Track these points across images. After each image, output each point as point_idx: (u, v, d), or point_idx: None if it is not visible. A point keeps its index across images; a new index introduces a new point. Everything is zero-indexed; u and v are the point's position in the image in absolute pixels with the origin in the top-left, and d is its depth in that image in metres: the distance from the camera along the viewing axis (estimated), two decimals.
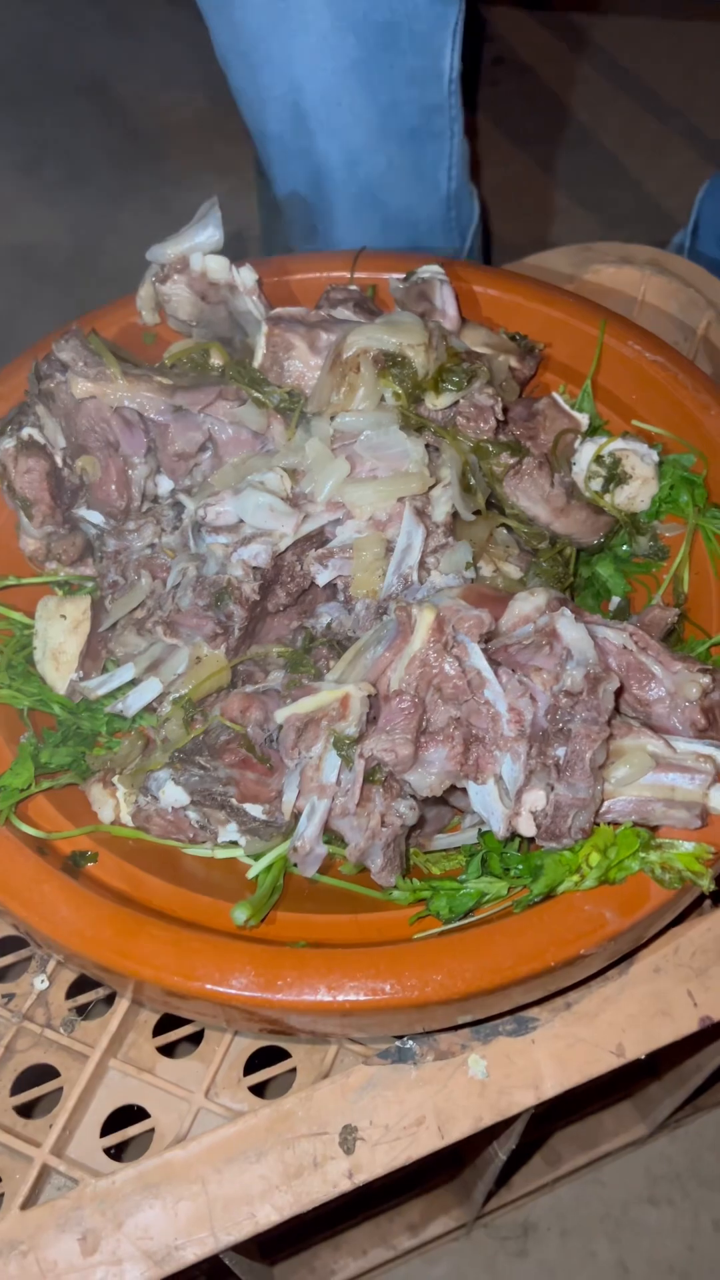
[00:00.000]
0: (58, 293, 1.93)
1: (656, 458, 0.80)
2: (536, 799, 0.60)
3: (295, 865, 0.62)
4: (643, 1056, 0.65)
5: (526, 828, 0.60)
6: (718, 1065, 0.87)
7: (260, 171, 1.58)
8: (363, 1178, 0.62)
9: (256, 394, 0.74)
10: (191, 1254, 0.60)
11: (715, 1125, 1.18)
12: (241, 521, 0.70)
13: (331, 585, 0.72)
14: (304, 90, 1.09)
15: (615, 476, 0.79)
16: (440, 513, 0.70)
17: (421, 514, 0.69)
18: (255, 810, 0.67)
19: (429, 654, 0.62)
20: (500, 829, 0.60)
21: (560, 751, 0.60)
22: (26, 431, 0.74)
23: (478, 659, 0.61)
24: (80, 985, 0.71)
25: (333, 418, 0.73)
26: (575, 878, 0.60)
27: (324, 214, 1.22)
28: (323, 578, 0.70)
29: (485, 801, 0.61)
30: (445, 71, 1.14)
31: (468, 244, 1.32)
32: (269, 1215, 0.61)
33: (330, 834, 0.63)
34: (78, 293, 1.94)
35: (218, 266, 0.79)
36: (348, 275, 0.90)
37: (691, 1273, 1.12)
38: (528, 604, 0.66)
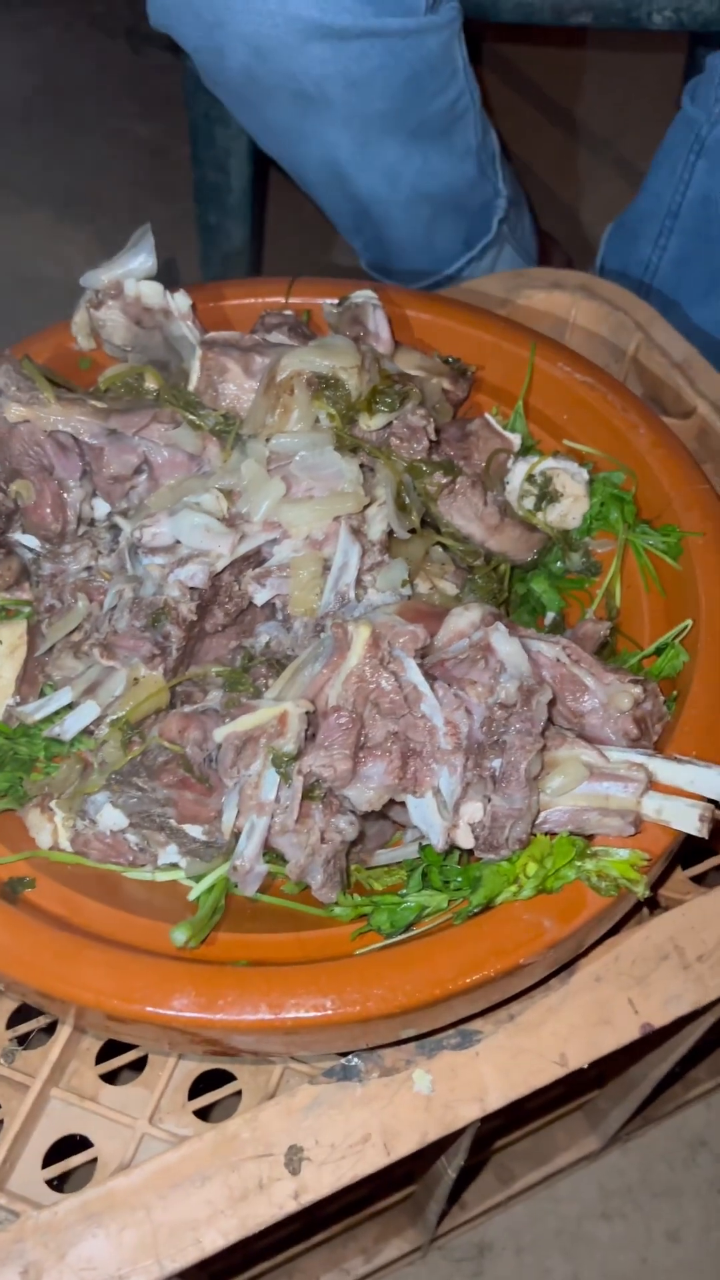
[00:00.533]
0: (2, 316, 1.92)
1: (587, 476, 0.82)
2: (474, 811, 0.61)
3: (236, 885, 0.62)
4: (585, 1065, 0.66)
5: (465, 840, 0.61)
6: (664, 1074, 0.88)
7: (201, 196, 1.60)
8: (309, 1198, 0.61)
9: (191, 416, 0.74)
10: None
11: (665, 1136, 1.19)
12: (178, 542, 0.70)
13: (270, 604, 0.72)
14: (339, 151, 1.16)
15: (547, 495, 0.81)
16: (376, 531, 0.71)
17: (357, 533, 0.70)
18: (195, 831, 0.67)
19: (365, 669, 0.62)
20: (439, 841, 0.61)
21: (496, 763, 0.61)
22: None
23: (414, 674, 0.62)
24: (20, 1014, 0.70)
25: (268, 439, 0.73)
26: (514, 888, 0.61)
27: (379, 224, 1.29)
28: (260, 597, 0.71)
29: (424, 815, 0.62)
30: (460, 66, 1.17)
31: (499, 173, 1.35)
32: (215, 1240, 0.60)
33: (271, 852, 0.63)
34: (16, 318, 1.93)
35: (151, 292, 0.80)
36: (282, 300, 0.91)
37: None
38: (463, 619, 0.67)
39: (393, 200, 1.26)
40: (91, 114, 2.27)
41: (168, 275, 0.83)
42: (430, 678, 0.63)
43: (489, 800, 0.61)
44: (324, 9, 1.01)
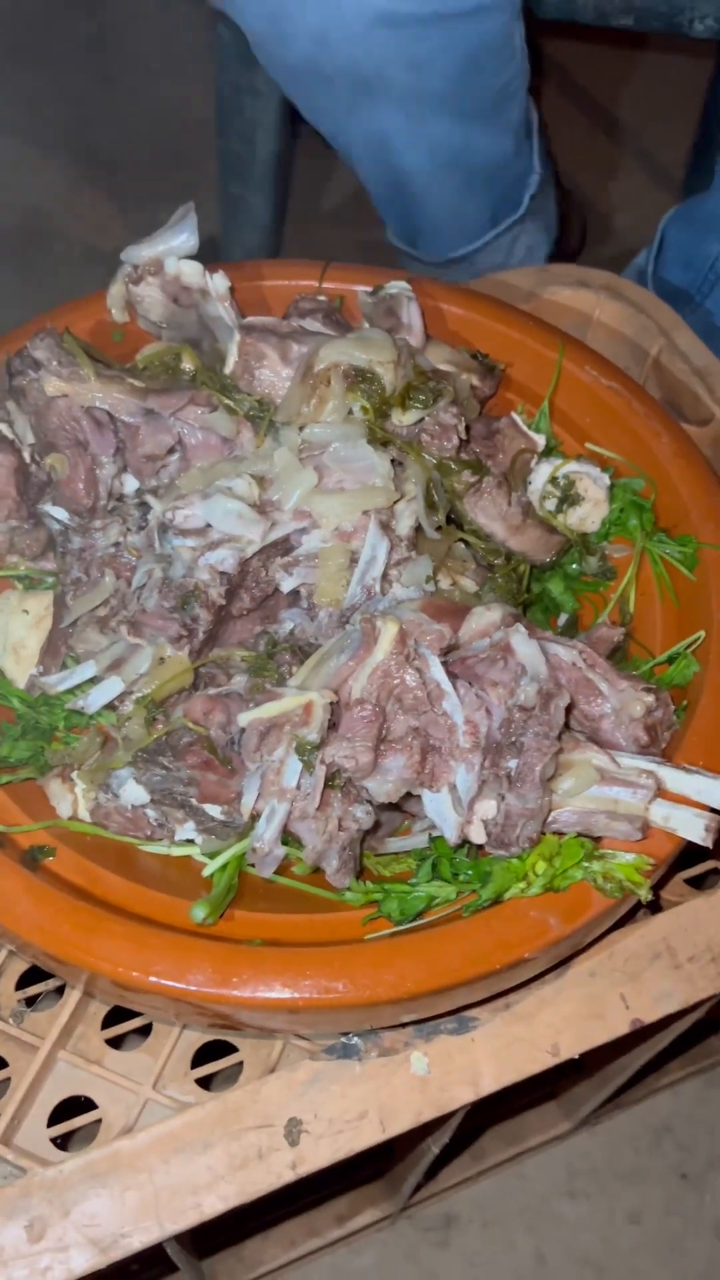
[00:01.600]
0: (11, 272, 1.91)
1: (608, 481, 0.83)
2: (488, 808, 0.63)
3: (253, 865, 0.64)
4: (576, 1056, 0.68)
5: (477, 835, 0.63)
6: (641, 1064, 0.91)
7: (225, 166, 1.59)
8: (306, 1169, 0.64)
9: (227, 401, 0.75)
10: (138, 1242, 0.61)
11: (633, 1121, 1.22)
12: (209, 526, 0.71)
13: (295, 592, 0.73)
14: (389, 127, 1.16)
15: (569, 498, 0.82)
16: (404, 526, 0.72)
17: (386, 527, 0.72)
18: (214, 810, 0.68)
19: (391, 665, 0.64)
20: (452, 836, 0.63)
21: (512, 763, 0.63)
22: None
23: (438, 671, 0.63)
24: (29, 977, 0.72)
25: (301, 428, 0.74)
26: (521, 884, 0.63)
27: (413, 197, 1.30)
28: (287, 585, 0.72)
29: (439, 809, 0.63)
30: (518, 46, 1.16)
31: (535, 149, 1.35)
32: (214, 1205, 0.62)
33: (286, 835, 0.65)
34: (32, 272, 1.92)
35: (191, 271, 0.80)
36: (316, 284, 0.92)
37: (605, 1264, 1.16)
38: (484, 619, 0.69)
39: (431, 173, 1.26)
40: (115, 67, 2.25)
41: (207, 254, 0.83)
42: (452, 676, 0.65)
43: (503, 799, 0.63)
44: None
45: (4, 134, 2.11)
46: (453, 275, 1.39)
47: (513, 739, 0.63)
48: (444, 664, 0.65)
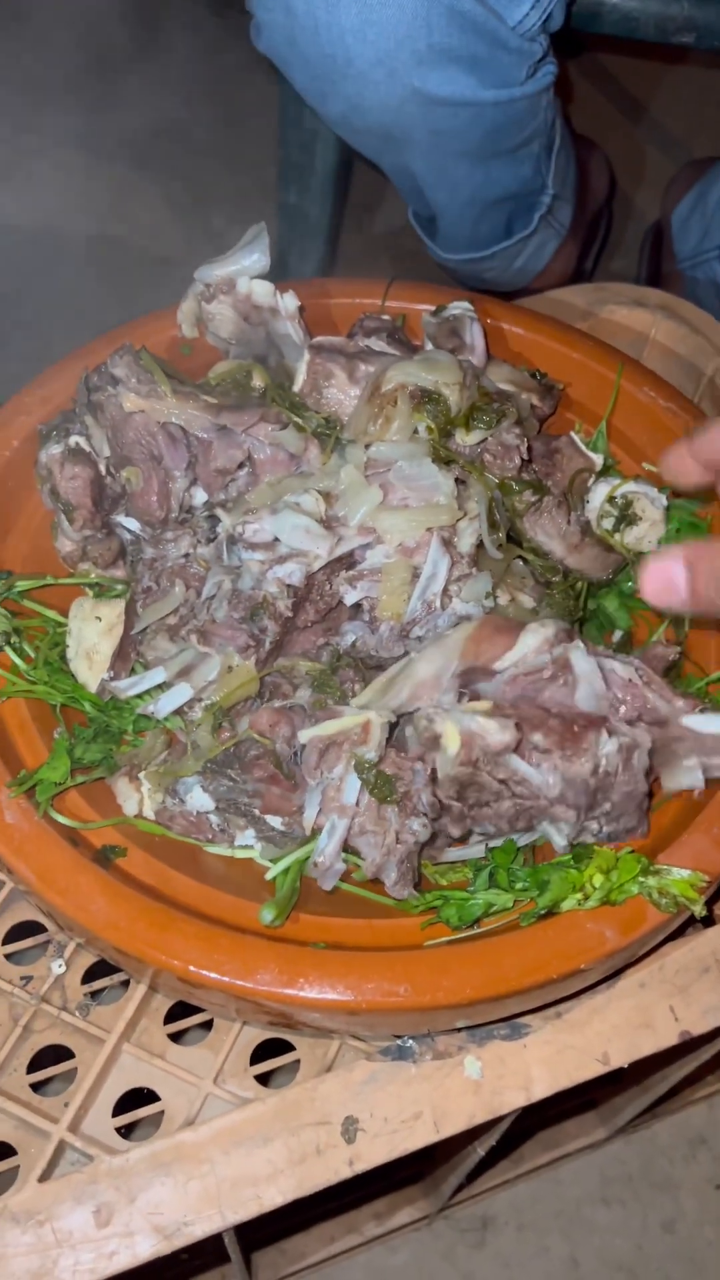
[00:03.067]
0: (72, 272, 1.95)
1: (665, 502, 0.85)
2: (593, 827, 0.65)
3: (315, 877, 0.66)
4: (625, 1065, 0.70)
5: (588, 838, 0.66)
6: (682, 1076, 0.92)
7: (283, 175, 1.61)
8: (362, 1166, 0.66)
9: (297, 419, 0.77)
10: (200, 1230, 0.63)
11: (669, 1130, 1.24)
12: (277, 540, 0.74)
13: (357, 605, 0.75)
14: (414, 167, 1.22)
15: (626, 517, 0.84)
16: (466, 544, 0.74)
17: (448, 544, 0.74)
18: (275, 821, 0.70)
19: (461, 772, 0.65)
20: (564, 846, 0.66)
21: (607, 805, 0.65)
22: (74, 439, 0.77)
23: (517, 764, 0.65)
24: (95, 971, 0.75)
25: (367, 446, 0.76)
26: (579, 896, 0.64)
27: (435, 213, 1.35)
28: (351, 598, 0.74)
29: (547, 832, 0.66)
30: (543, 109, 1.20)
31: (551, 168, 1.38)
32: (274, 1197, 0.65)
33: (346, 847, 0.67)
34: (83, 280, 1.96)
35: (263, 291, 0.83)
36: (379, 303, 0.94)
37: (639, 1270, 1.17)
38: (537, 636, 0.70)
39: (451, 206, 1.32)
40: (174, 74, 2.28)
41: (278, 272, 0.86)
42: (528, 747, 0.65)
43: (603, 825, 0.65)
44: (429, 81, 1.05)
45: (63, 142, 2.15)
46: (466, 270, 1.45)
47: (604, 790, 0.65)
48: (508, 712, 0.66)
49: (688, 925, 0.74)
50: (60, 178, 2.09)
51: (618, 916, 0.63)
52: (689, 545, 0.57)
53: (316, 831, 0.67)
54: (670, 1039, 0.71)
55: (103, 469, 0.78)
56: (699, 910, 0.64)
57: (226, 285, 0.83)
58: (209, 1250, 0.82)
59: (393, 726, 0.69)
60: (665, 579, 0.57)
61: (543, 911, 0.65)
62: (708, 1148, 1.24)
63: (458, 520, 0.75)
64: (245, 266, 0.83)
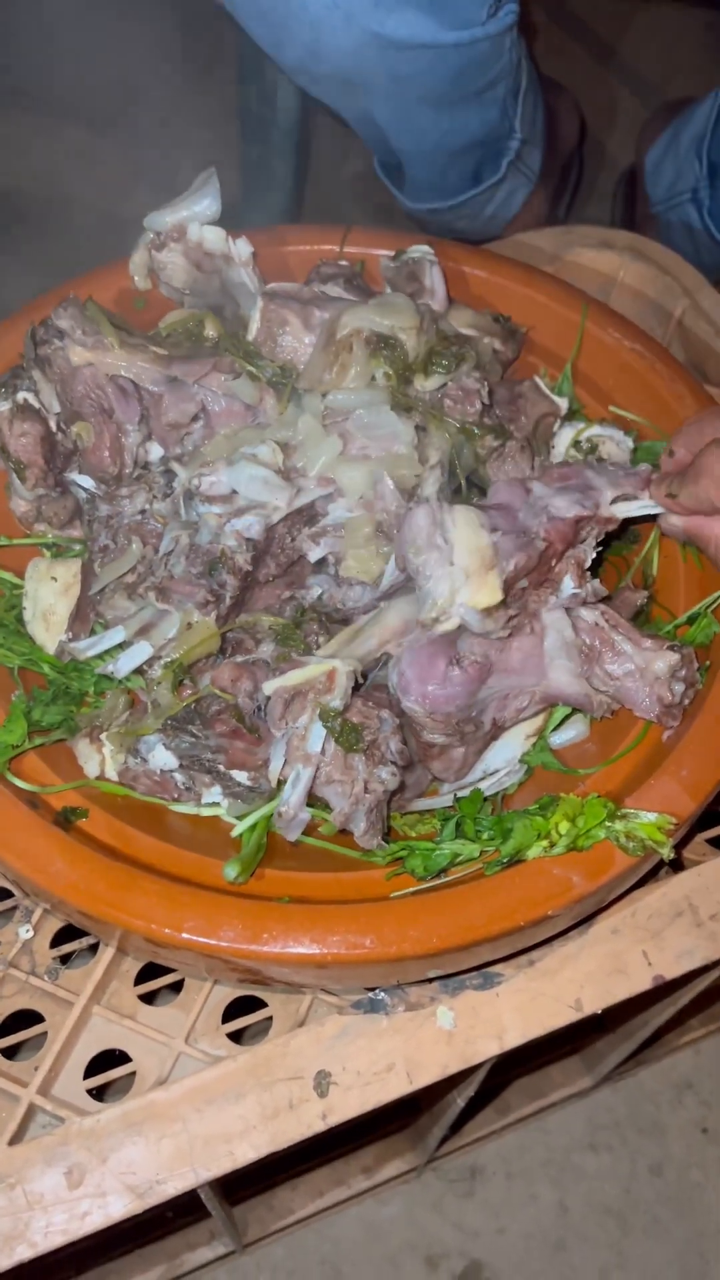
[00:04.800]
0: (30, 238, 1.91)
1: (631, 444, 0.83)
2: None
3: (280, 828, 0.65)
4: (599, 1011, 0.70)
5: None
6: (664, 1021, 0.92)
7: (245, 128, 1.58)
8: (335, 1119, 0.65)
9: (250, 367, 0.75)
10: (173, 1188, 0.63)
11: (654, 1077, 1.24)
12: (235, 493, 0.72)
13: (322, 559, 0.74)
14: (376, 115, 1.19)
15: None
16: (429, 494, 0.73)
17: (411, 495, 0.72)
18: (241, 776, 0.69)
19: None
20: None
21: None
22: (22, 395, 0.75)
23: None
24: (64, 935, 0.74)
25: (324, 395, 0.75)
26: (544, 843, 0.64)
27: (401, 160, 1.32)
28: (314, 554, 0.73)
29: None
30: (507, 50, 1.16)
31: (519, 112, 1.35)
32: (247, 1153, 0.64)
33: (312, 798, 0.66)
34: (47, 240, 1.92)
35: (215, 238, 0.80)
36: (337, 249, 0.92)
37: (627, 1214, 1.18)
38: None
39: (416, 153, 1.29)
40: (131, 29, 2.22)
41: (230, 219, 0.83)
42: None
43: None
44: (386, 24, 1.03)
45: (17, 101, 2.10)
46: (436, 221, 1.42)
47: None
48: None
49: (659, 870, 0.73)
50: (20, 137, 2.05)
51: (584, 862, 0.63)
52: None
53: (283, 783, 0.66)
54: (643, 984, 0.70)
55: (53, 425, 0.77)
56: (667, 853, 0.64)
57: (177, 233, 0.81)
58: (196, 1208, 0.82)
59: (360, 680, 0.68)
60: None
61: (507, 860, 0.64)
62: (694, 1092, 1.25)
63: (418, 471, 0.73)
64: (196, 213, 0.81)
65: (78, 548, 0.80)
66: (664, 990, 0.75)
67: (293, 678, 0.66)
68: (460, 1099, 0.81)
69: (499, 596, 0.63)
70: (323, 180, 1.92)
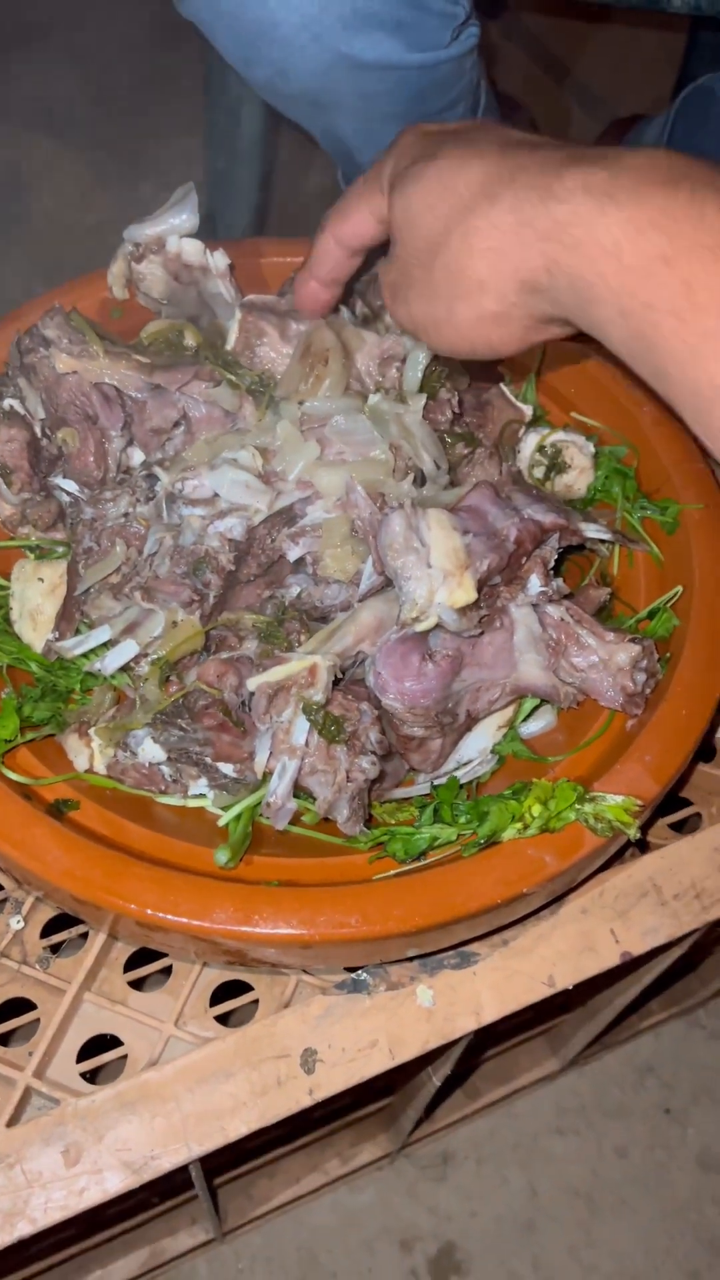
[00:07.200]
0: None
1: (593, 449, 0.87)
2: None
3: (267, 818, 0.68)
4: (570, 987, 0.73)
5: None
6: (628, 1001, 0.96)
7: (211, 140, 1.61)
8: (322, 1094, 0.68)
9: (230, 376, 0.78)
10: (168, 1163, 0.66)
11: (619, 1061, 1.29)
12: (217, 496, 0.75)
13: (300, 559, 0.77)
14: (342, 132, 1.22)
15: (556, 465, 0.86)
16: (403, 498, 0.76)
17: (382, 500, 0.75)
18: (227, 768, 0.72)
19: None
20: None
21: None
22: (8, 402, 0.78)
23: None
24: (54, 925, 0.76)
25: (301, 403, 0.78)
26: (519, 825, 0.67)
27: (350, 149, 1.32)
28: (293, 554, 0.76)
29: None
30: (467, 71, 1.21)
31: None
32: (238, 1128, 0.67)
33: (297, 789, 0.69)
34: (15, 246, 1.93)
35: (193, 250, 0.83)
36: None
37: (595, 1195, 1.22)
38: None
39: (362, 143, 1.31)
40: (94, 40, 2.24)
41: (207, 231, 0.86)
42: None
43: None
44: (354, 45, 1.06)
45: None
46: None
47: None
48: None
49: (625, 851, 0.77)
50: None
51: (556, 842, 0.66)
52: None
53: (268, 776, 0.69)
54: (612, 960, 0.74)
55: (38, 431, 0.79)
56: (633, 833, 0.67)
57: (156, 245, 0.84)
58: (180, 1189, 0.84)
59: (340, 675, 0.71)
60: None
61: (484, 842, 0.67)
62: (655, 1075, 1.29)
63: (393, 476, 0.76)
64: (174, 225, 0.83)
65: (61, 550, 0.83)
66: (630, 966, 0.79)
67: (276, 673, 0.69)
68: (437, 1078, 0.85)
69: (474, 595, 0.67)
70: (285, 192, 1.96)
